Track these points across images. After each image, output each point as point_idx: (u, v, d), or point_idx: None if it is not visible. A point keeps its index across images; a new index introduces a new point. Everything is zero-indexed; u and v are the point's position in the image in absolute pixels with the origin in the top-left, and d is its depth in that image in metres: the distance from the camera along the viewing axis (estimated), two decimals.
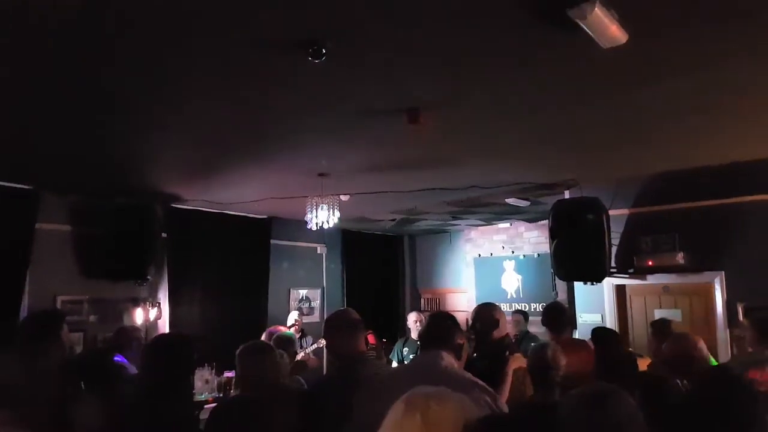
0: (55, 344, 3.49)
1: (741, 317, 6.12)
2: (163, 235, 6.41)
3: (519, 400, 3.22)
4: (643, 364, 4.02)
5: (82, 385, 2.67)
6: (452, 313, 3.02)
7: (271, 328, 5.56)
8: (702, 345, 3.45)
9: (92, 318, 5.97)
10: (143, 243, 5.88)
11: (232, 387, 5.39)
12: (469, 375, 2.59)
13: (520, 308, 7.69)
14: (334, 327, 3.08)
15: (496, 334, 3.72)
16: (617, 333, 4.92)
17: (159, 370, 2.70)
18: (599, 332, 4.22)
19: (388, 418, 1.48)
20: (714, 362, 3.47)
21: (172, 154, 4.67)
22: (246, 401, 2.72)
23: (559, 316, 4.57)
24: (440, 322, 2.77)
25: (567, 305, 7.44)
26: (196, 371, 5.19)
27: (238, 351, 3.13)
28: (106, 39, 2.57)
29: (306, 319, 7.73)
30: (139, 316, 6.28)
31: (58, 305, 5.67)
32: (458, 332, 2.71)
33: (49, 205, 5.62)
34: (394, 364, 6.34)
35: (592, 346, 3.93)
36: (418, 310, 8.47)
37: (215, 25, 2.45)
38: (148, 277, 6.06)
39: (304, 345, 6.83)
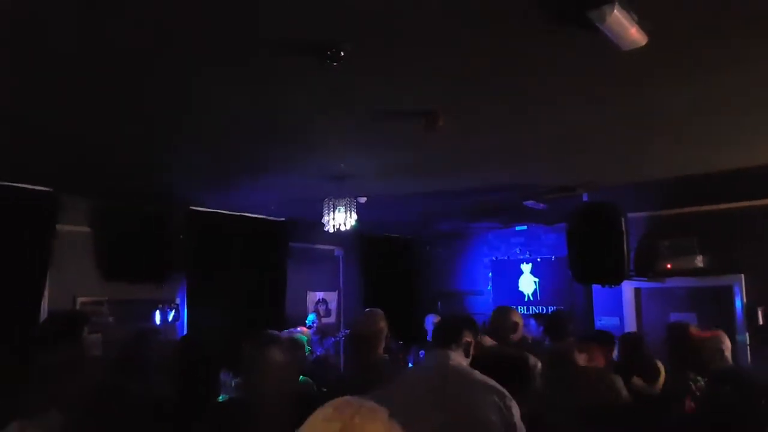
0: (74, 347, 3.53)
1: (761, 321, 6.05)
2: (182, 237, 6.47)
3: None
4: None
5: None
6: (467, 315, 3.03)
7: (292, 330, 5.60)
8: (728, 343, 3.41)
9: (111, 319, 6.03)
10: (162, 245, 5.94)
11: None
12: (478, 374, 2.59)
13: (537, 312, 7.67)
14: (356, 335, 3.11)
15: (515, 337, 3.73)
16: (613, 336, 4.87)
17: (190, 371, 2.73)
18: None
19: (313, 416, 1.39)
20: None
21: (191, 158, 4.71)
22: (244, 403, 2.72)
23: (561, 324, 4.57)
24: (448, 323, 2.81)
25: (583, 309, 7.41)
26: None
27: (250, 341, 2.96)
28: (129, 44, 2.60)
29: (323, 321, 7.78)
30: (158, 317, 6.34)
31: (78, 306, 5.74)
32: (466, 331, 2.73)
33: (70, 207, 5.68)
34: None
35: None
36: (435, 312, 8.46)
37: (234, 28, 2.47)
38: (167, 278, 6.12)
39: (324, 344, 6.89)
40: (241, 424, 2.60)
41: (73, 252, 5.74)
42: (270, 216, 7.53)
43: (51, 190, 5.48)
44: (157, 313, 6.35)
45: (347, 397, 1.43)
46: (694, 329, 4.23)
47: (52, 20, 2.37)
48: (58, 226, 5.53)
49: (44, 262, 5.40)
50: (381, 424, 1.38)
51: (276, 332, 3.58)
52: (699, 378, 3.67)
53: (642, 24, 2.39)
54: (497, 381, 2.54)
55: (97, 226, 5.99)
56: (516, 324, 3.75)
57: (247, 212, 7.18)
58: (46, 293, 5.45)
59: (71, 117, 3.63)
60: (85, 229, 5.95)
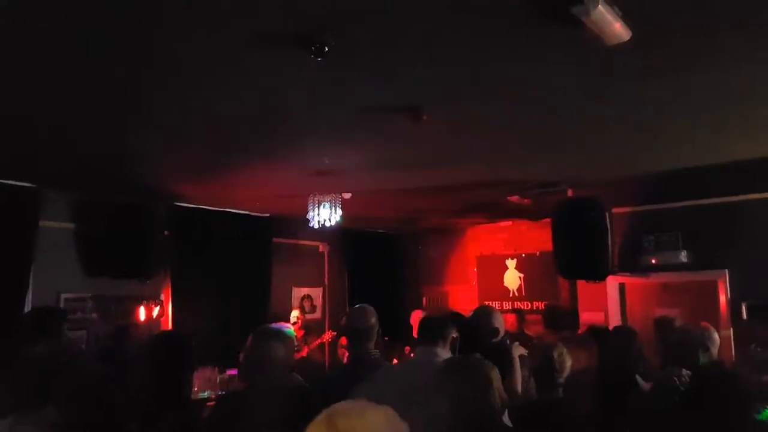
0: (54, 342, 3.50)
1: (744, 316, 6.11)
2: (166, 233, 6.43)
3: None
4: None
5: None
6: (453, 312, 3.03)
7: (274, 325, 5.56)
8: (715, 338, 3.43)
9: (95, 315, 5.98)
10: (146, 241, 5.89)
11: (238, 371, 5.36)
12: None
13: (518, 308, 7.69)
14: (350, 329, 3.11)
15: (494, 342, 3.66)
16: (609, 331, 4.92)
17: (161, 367, 2.71)
18: (596, 330, 4.24)
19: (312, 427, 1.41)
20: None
21: (174, 153, 4.67)
22: (245, 395, 2.73)
23: (561, 316, 4.59)
24: (435, 319, 2.80)
25: (570, 303, 7.46)
26: (199, 370, 5.21)
27: (253, 333, 2.97)
28: (110, 35, 2.57)
29: (308, 317, 7.76)
30: (142, 314, 6.30)
31: (62, 303, 5.69)
32: (452, 328, 2.74)
33: (53, 203, 5.63)
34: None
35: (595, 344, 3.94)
36: (420, 308, 8.47)
37: (217, 21, 2.45)
38: (151, 275, 6.07)
39: (308, 342, 6.87)
40: (238, 417, 2.62)
41: (56, 248, 5.70)
42: (254, 212, 7.50)
43: (34, 186, 5.42)
44: (142, 309, 6.31)
45: (335, 406, 1.44)
46: (680, 323, 4.27)
47: (28, 10, 2.33)
48: (41, 223, 5.48)
49: (28, 259, 5.36)
50: (374, 417, 1.40)
51: (275, 327, 3.59)
52: (685, 372, 3.69)
53: (626, 19, 2.40)
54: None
55: (81, 223, 5.93)
56: (496, 330, 3.64)
57: (232, 208, 7.14)
58: (29, 290, 5.39)
59: (53, 111, 3.59)
60: (69, 225, 5.90)
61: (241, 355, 2.88)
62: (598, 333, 4.68)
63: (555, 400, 2.79)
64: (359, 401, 1.49)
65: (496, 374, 2.24)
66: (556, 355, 2.87)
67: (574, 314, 7.06)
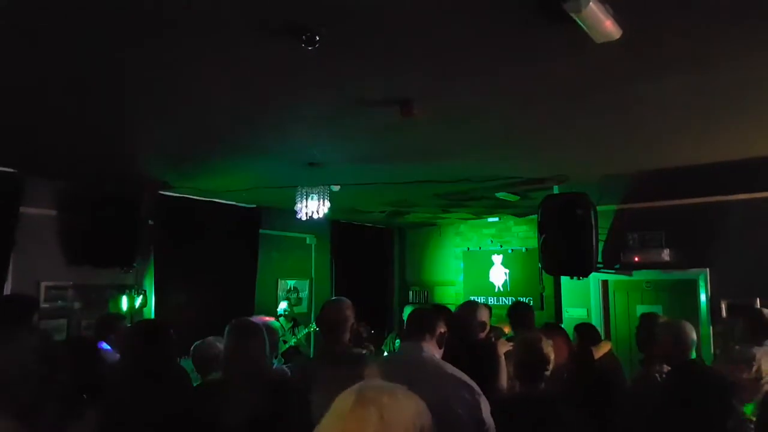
0: (25, 331, 3.46)
1: (724, 314, 6.19)
2: (150, 222, 6.37)
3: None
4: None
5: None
6: (441, 306, 3.03)
7: (256, 318, 5.55)
8: (692, 336, 3.47)
9: (77, 305, 5.91)
10: (129, 230, 5.83)
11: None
12: (449, 368, 2.58)
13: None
14: (322, 320, 3.11)
15: (481, 335, 3.68)
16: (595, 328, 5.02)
17: (140, 354, 2.70)
18: (581, 328, 4.30)
19: (334, 408, 1.39)
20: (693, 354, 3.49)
21: (159, 140, 4.62)
22: (220, 382, 2.73)
23: (528, 313, 4.61)
24: (422, 314, 2.79)
25: (554, 299, 7.52)
26: (180, 360, 5.17)
27: (228, 326, 2.95)
28: (96, 22, 2.53)
29: (294, 309, 7.75)
30: (124, 303, 6.24)
31: (42, 291, 5.60)
32: (440, 322, 2.73)
33: (34, 190, 5.54)
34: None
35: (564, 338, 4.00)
36: (407, 302, 8.48)
37: (207, 8, 2.42)
38: (134, 264, 6.01)
39: (297, 334, 6.87)
40: (216, 406, 2.61)
41: (37, 235, 5.61)
42: (241, 202, 7.45)
43: (15, 171, 5.33)
44: (124, 298, 6.25)
45: (367, 382, 1.45)
46: (662, 319, 4.30)
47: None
48: (22, 209, 5.39)
49: (7, 246, 5.26)
50: (407, 402, 1.40)
51: (254, 319, 3.60)
52: (666, 368, 3.74)
53: (617, 17, 2.41)
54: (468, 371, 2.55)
55: (63, 209, 5.86)
56: (483, 324, 3.66)
57: (218, 198, 7.09)
58: (9, 278, 5.31)
59: (37, 98, 3.53)
60: (50, 212, 5.81)
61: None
62: (579, 329, 4.74)
63: (541, 394, 2.79)
64: (394, 384, 1.49)
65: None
66: (543, 347, 2.87)
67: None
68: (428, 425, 1.41)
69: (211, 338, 3.77)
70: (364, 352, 4.55)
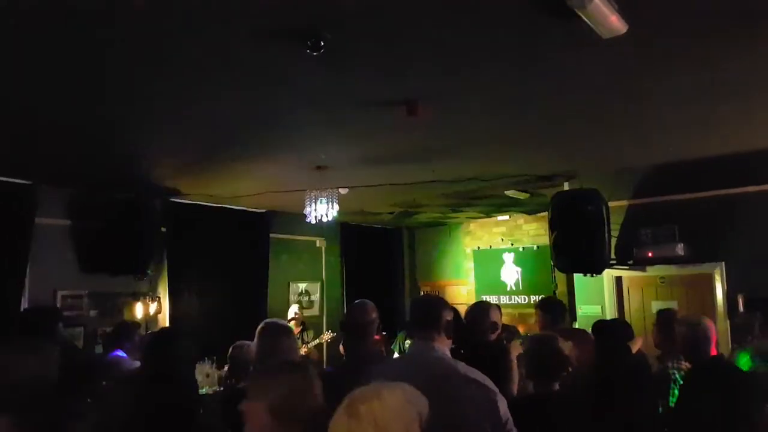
0: (49, 341, 3.49)
1: (742, 308, 6.12)
2: (163, 229, 6.41)
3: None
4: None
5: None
6: (439, 296, 2.98)
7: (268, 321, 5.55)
8: (712, 331, 3.43)
9: (92, 313, 5.97)
10: (142, 237, 5.88)
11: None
12: (463, 367, 2.51)
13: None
14: (350, 323, 3.13)
15: (492, 336, 3.62)
16: (618, 324, 4.92)
17: (160, 361, 2.72)
18: (599, 325, 4.24)
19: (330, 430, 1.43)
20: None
21: (170, 148, 4.65)
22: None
23: (559, 307, 4.58)
24: (428, 306, 2.65)
25: (568, 297, 7.48)
26: (197, 365, 5.20)
27: (259, 327, 3.08)
28: (105, 32, 2.55)
29: (305, 313, 7.74)
30: (139, 310, 6.28)
31: (59, 300, 5.68)
32: (445, 310, 2.62)
33: (48, 200, 5.61)
34: (396, 356, 6.35)
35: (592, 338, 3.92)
36: None
37: (213, 15, 2.43)
38: (148, 271, 6.06)
39: (306, 339, 6.85)
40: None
41: (52, 245, 5.68)
42: (251, 207, 7.48)
43: (30, 183, 5.39)
44: (139, 305, 6.30)
45: (353, 394, 1.47)
46: (681, 316, 4.26)
47: (27, 7, 2.32)
48: (37, 220, 5.45)
49: (24, 256, 5.33)
50: (396, 396, 1.45)
51: (282, 321, 3.69)
52: (684, 365, 3.70)
53: (622, 12, 2.40)
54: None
55: (77, 219, 5.91)
56: (495, 324, 3.60)
57: (228, 204, 7.12)
58: (26, 288, 5.37)
59: (50, 108, 3.58)
60: (65, 221, 5.87)
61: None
62: (599, 327, 4.68)
63: (551, 394, 2.75)
64: (374, 384, 1.49)
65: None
66: (560, 345, 2.82)
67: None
68: (424, 408, 1.41)
69: (247, 342, 3.80)
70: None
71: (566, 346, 2.87)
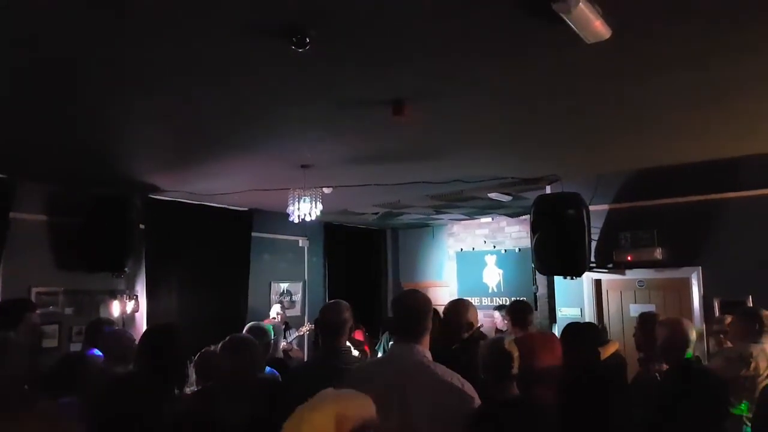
0: (18, 334, 3.46)
1: (718, 312, 6.20)
2: (141, 226, 6.33)
3: None
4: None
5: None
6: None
7: (253, 324, 5.52)
8: (691, 334, 3.45)
9: (68, 310, 5.87)
10: (121, 234, 5.79)
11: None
12: (440, 369, 2.49)
13: (502, 303, 7.73)
14: (322, 323, 3.12)
15: (466, 335, 3.62)
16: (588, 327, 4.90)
17: (157, 357, 2.73)
18: (568, 328, 4.25)
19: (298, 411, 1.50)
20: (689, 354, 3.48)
21: (150, 143, 4.59)
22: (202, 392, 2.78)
23: (526, 313, 4.56)
24: (416, 310, 2.62)
25: (548, 299, 7.53)
26: None
27: (220, 345, 3.20)
28: (86, 27, 2.51)
29: (287, 313, 7.70)
30: (116, 308, 6.19)
31: (33, 296, 5.56)
32: (429, 312, 2.61)
33: (25, 195, 5.51)
34: (379, 356, 6.33)
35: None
36: None
37: (197, 10, 2.40)
38: (126, 268, 5.98)
39: (288, 337, 6.82)
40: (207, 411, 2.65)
41: (28, 241, 5.57)
42: (233, 205, 7.42)
43: (5, 177, 5.30)
44: (116, 303, 6.21)
45: (293, 415, 1.49)
46: (662, 319, 4.28)
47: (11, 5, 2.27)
48: (12, 214, 5.36)
49: None
50: (328, 406, 1.48)
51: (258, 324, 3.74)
52: (663, 367, 3.73)
53: (606, 17, 2.41)
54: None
55: (54, 215, 5.81)
56: (470, 324, 3.60)
57: (210, 202, 7.05)
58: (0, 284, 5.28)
59: (28, 102, 3.51)
60: (42, 217, 5.77)
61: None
62: (568, 331, 4.67)
63: (517, 399, 2.70)
64: (305, 404, 1.53)
65: None
66: (507, 345, 2.78)
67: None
68: (370, 415, 1.47)
69: (213, 348, 3.82)
70: (358, 354, 4.53)
71: (509, 343, 2.82)
